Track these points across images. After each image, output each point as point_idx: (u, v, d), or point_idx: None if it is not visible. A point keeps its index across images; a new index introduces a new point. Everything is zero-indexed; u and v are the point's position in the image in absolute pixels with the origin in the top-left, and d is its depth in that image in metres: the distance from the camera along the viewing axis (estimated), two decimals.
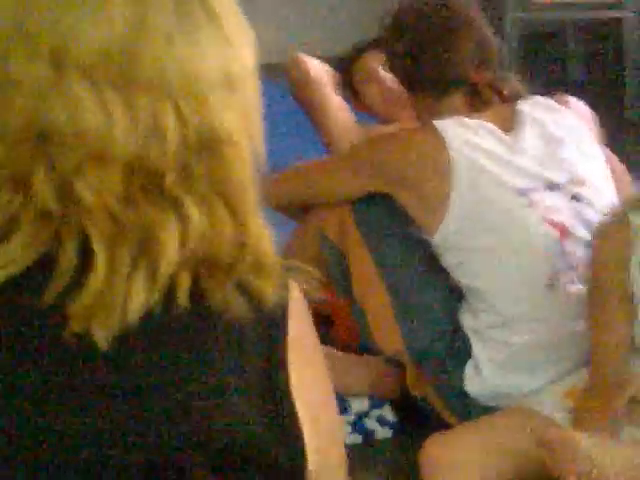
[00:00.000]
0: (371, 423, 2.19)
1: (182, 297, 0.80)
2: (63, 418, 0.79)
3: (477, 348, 2.02)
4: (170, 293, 0.80)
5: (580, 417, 1.83)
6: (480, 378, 2.01)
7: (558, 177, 1.96)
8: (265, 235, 0.88)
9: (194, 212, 0.81)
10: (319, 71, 2.49)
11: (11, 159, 0.77)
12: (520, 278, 2.00)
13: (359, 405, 2.17)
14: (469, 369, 2.02)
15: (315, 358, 0.98)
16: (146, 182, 0.80)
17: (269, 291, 0.84)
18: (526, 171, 1.98)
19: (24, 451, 0.81)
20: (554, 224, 1.94)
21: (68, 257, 0.76)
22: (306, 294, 0.90)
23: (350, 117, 2.57)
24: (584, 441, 1.69)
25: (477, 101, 2.02)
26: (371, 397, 2.21)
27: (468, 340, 2.04)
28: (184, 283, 0.81)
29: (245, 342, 0.86)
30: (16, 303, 0.78)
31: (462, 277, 2.01)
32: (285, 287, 0.88)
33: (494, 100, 2.03)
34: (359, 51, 2.50)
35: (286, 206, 2.23)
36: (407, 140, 2.10)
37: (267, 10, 3.81)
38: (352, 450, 2.12)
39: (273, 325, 0.87)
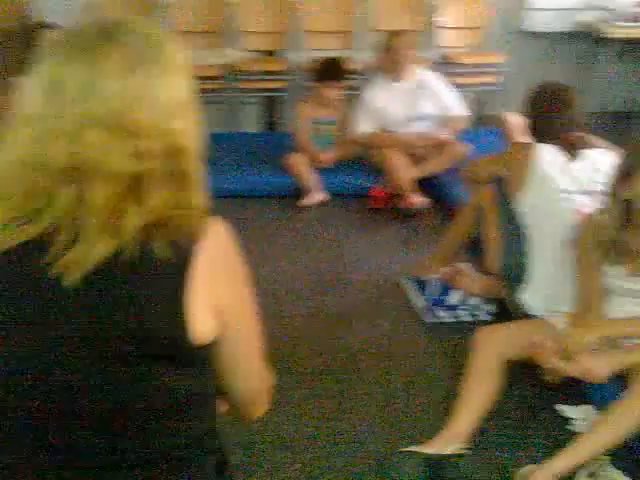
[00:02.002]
0: (472, 306, 3.14)
1: (132, 249, 1.11)
2: (53, 322, 1.14)
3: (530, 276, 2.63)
4: (124, 248, 1.10)
5: (568, 324, 2.41)
6: (527, 295, 2.68)
7: (591, 188, 2.60)
8: (199, 202, 1.18)
9: (155, 199, 1.12)
10: (518, 124, 3.34)
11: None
12: (552, 239, 2.60)
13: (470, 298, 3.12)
14: (524, 289, 2.68)
15: (231, 277, 1.24)
16: (124, 185, 1.11)
17: (189, 237, 1.14)
18: (573, 181, 2.65)
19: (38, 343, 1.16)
20: (580, 213, 2.55)
21: (65, 236, 1.10)
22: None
23: None
24: (563, 330, 2.31)
25: (563, 148, 2.74)
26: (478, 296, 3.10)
27: (526, 268, 2.64)
28: (133, 241, 1.11)
29: (164, 270, 1.13)
30: (31, 263, 1.12)
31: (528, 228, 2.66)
32: (200, 234, 1.16)
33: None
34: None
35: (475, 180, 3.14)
36: (519, 149, 2.84)
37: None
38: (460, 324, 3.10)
39: (185, 256, 1.13)
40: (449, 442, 2.33)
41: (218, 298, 1.18)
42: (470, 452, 2.35)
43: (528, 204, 2.68)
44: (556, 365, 2.20)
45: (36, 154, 1.08)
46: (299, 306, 3.42)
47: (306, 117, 4.74)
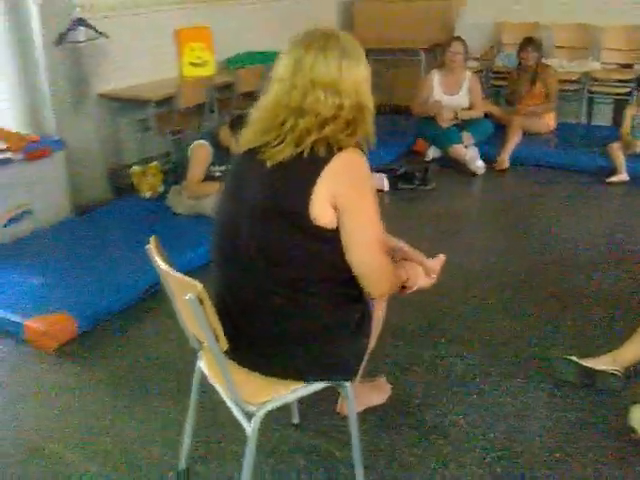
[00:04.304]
0: None
1: (306, 152, 1.21)
2: (253, 188, 1.28)
3: None
4: (302, 150, 1.23)
5: None
6: None
7: None
8: (355, 135, 1.26)
9: (328, 131, 1.22)
10: None
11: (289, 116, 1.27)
12: None
13: None
14: None
15: (348, 182, 1.24)
16: (319, 121, 1.23)
17: (336, 151, 1.22)
18: None
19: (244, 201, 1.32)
20: None
21: (277, 141, 1.26)
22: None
23: None
24: None
25: None
26: None
27: None
28: (308, 147, 1.22)
29: (314, 165, 1.21)
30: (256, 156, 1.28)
31: None
32: (344, 151, 1.23)
33: None
34: None
35: None
36: None
37: None
38: None
39: (325, 160, 1.22)
40: (604, 363, 2.11)
41: (334, 195, 1.23)
42: (619, 375, 2.09)
43: None
44: None
45: (283, 98, 1.25)
46: (581, 252, 3.20)
47: (631, 115, 4.28)
